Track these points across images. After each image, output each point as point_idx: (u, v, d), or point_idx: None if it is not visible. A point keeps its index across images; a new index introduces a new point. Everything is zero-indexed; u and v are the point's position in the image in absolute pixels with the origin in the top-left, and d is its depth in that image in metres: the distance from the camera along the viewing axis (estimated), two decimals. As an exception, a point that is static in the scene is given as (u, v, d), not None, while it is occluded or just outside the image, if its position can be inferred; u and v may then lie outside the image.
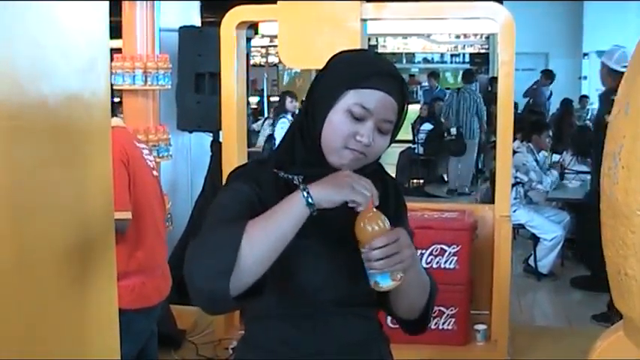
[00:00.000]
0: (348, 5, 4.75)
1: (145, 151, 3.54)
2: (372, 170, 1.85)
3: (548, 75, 14.16)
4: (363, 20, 4.83)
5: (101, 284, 2.22)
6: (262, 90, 16.26)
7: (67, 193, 2.03)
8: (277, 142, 8.85)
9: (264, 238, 1.63)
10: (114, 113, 3.62)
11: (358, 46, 4.75)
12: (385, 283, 1.70)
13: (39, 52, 1.88)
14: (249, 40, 5.63)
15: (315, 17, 4.77)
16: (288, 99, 9.82)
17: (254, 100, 15.34)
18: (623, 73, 1.57)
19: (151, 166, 3.54)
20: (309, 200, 1.64)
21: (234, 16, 4.99)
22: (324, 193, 1.65)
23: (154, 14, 5.46)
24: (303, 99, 1.95)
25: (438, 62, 19.78)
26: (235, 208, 1.74)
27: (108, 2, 2.19)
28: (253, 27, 14.93)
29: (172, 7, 6.89)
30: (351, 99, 1.77)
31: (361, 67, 1.83)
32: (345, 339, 1.89)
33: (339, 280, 1.84)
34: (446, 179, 12.30)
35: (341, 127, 1.77)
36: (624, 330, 1.57)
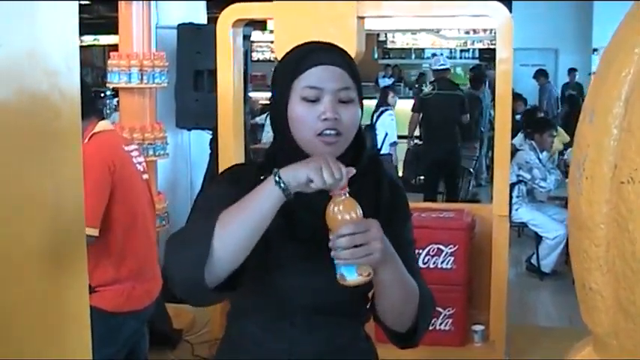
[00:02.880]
0: (345, 3, 4.70)
1: (134, 153, 3.49)
2: (368, 167, 1.81)
3: (542, 74, 14.05)
4: (360, 18, 4.78)
5: (71, 284, 2.19)
6: (268, 85, 16.24)
7: (33, 195, 1.99)
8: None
9: (238, 226, 1.61)
10: (101, 115, 3.61)
11: (355, 45, 4.71)
12: (351, 277, 1.63)
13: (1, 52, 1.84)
14: (248, 37, 5.57)
15: (311, 15, 4.73)
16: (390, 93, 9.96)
17: (264, 95, 15.28)
18: None
19: (141, 169, 3.50)
20: (279, 181, 1.60)
21: (231, 13, 4.96)
22: (292, 173, 1.61)
23: (150, 12, 5.43)
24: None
25: (447, 58, 19.65)
26: (214, 206, 1.70)
27: (77, 1, 2.14)
28: (261, 23, 14.90)
29: (178, 2, 6.88)
30: (299, 86, 1.76)
31: (295, 54, 1.84)
32: (320, 347, 1.85)
33: (318, 285, 1.77)
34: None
35: (302, 116, 1.76)
36: (593, 345, 1.53)
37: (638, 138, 1.26)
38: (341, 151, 1.76)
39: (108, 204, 3.22)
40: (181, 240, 1.67)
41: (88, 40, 21.89)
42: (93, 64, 20.17)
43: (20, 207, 1.93)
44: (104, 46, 19.42)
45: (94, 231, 3.18)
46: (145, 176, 3.52)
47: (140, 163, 3.50)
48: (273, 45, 4.93)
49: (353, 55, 4.77)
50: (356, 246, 1.60)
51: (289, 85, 1.78)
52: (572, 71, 14.97)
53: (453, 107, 9.08)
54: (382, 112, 9.36)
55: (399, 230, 1.81)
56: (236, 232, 1.60)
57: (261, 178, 1.71)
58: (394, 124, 9.35)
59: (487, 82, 11.76)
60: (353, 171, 1.63)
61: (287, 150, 1.80)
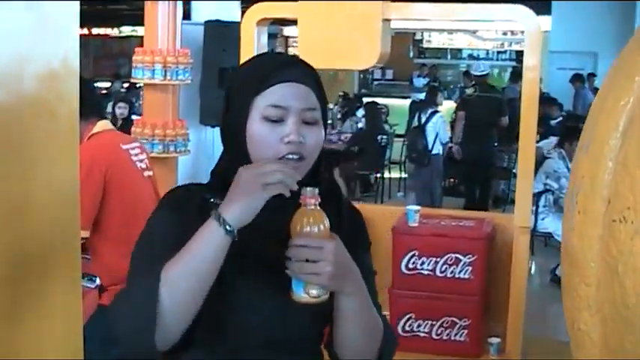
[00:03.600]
0: (370, 5, 4.63)
1: (135, 151, 3.48)
2: (328, 192, 1.64)
3: (578, 79, 13.82)
4: (386, 20, 4.70)
5: (65, 286, 2.16)
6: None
7: (25, 197, 1.96)
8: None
9: (184, 281, 1.48)
10: (102, 115, 3.61)
11: (379, 46, 4.64)
12: (297, 293, 1.54)
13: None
14: (274, 36, 5.53)
15: (336, 16, 4.66)
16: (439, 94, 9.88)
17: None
18: None
19: (143, 166, 3.48)
20: (226, 226, 1.48)
21: (255, 12, 4.91)
22: (238, 211, 1.49)
23: (176, 9, 5.40)
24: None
25: (483, 59, 19.48)
26: (155, 247, 1.59)
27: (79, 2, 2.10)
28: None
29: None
30: (261, 103, 1.62)
31: (258, 67, 1.68)
32: None
33: (271, 320, 1.64)
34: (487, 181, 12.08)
35: (263, 136, 1.62)
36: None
37: (632, 174, 1.18)
38: (302, 175, 1.58)
39: (104, 204, 3.22)
40: (126, 300, 1.55)
41: (126, 31, 22.04)
42: (130, 54, 20.24)
43: (13, 209, 1.90)
44: (141, 37, 19.51)
45: (83, 233, 3.17)
46: (148, 173, 3.50)
47: (142, 161, 3.48)
48: (296, 45, 4.88)
49: (377, 57, 4.75)
50: (308, 261, 1.51)
51: (249, 100, 1.63)
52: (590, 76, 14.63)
53: (493, 109, 9.47)
54: (433, 114, 9.28)
55: (359, 259, 1.66)
56: (183, 289, 1.49)
57: (211, 201, 1.61)
58: (445, 124, 9.32)
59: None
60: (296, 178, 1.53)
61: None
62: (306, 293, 1.53)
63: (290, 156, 1.60)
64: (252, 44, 4.90)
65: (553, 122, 10.32)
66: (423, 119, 9.38)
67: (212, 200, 1.62)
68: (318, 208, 1.54)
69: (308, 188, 1.54)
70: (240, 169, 1.53)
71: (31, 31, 1.96)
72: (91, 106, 3.46)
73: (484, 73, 10.13)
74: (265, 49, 5.12)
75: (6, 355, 1.91)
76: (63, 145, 2.13)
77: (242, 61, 4.89)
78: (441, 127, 9.12)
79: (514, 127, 10.35)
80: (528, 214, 4.73)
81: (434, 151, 9.13)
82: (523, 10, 4.59)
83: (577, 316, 1.32)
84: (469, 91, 10.67)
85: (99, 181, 3.21)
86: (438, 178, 9.32)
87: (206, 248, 1.50)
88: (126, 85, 15.48)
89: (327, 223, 1.54)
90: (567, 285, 1.35)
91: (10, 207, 1.90)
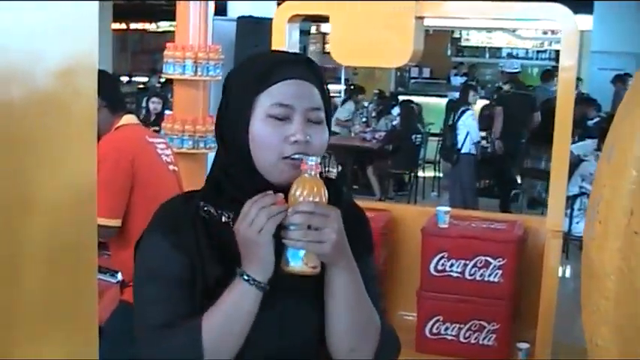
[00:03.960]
0: (403, 2, 4.57)
1: (161, 146, 3.48)
2: (330, 190, 1.55)
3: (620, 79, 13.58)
4: (418, 18, 4.64)
5: (82, 283, 2.13)
6: (339, 78, 16.08)
7: (39, 196, 1.93)
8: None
9: (225, 342, 1.50)
10: (127, 109, 3.63)
11: (412, 44, 4.57)
12: (294, 263, 1.47)
13: (8, 56, 1.77)
14: (306, 33, 5.50)
15: (368, 13, 4.61)
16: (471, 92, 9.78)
17: (332, 88, 15.22)
18: None
19: (169, 160, 3.48)
20: (258, 284, 1.48)
21: (287, 9, 4.88)
22: (260, 266, 1.48)
23: (208, 4, 5.38)
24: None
25: (522, 58, 19.26)
26: (171, 287, 1.56)
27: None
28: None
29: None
30: (266, 102, 1.55)
31: (261, 64, 1.60)
32: None
33: (269, 334, 1.56)
34: (519, 181, 11.95)
35: (267, 136, 1.54)
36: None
37: (656, 184, 1.12)
38: None
39: (129, 197, 3.24)
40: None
41: (164, 26, 22.15)
42: (167, 49, 20.30)
43: (27, 207, 1.88)
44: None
45: (114, 222, 3.20)
46: (173, 167, 3.49)
47: (168, 156, 3.49)
48: (329, 42, 4.83)
49: (409, 56, 4.69)
50: (309, 228, 1.46)
51: (252, 99, 1.56)
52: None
53: (526, 107, 9.90)
54: (464, 112, 9.19)
55: (363, 261, 1.60)
56: (225, 347, 1.50)
57: (204, 209, 1.57)
58: (476, 123, 9.21)
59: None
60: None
61: (241, 175, 1.58)
62: (304, 263, 1.47)
63: (296, 156, 1.53)
64: (283, 41, 4.87)
65: (590, 123, 10.18)
66: (455, 117, 9.32)
67: (205, 209, 1.57)
68: (318, 177, 1.49)
69: (310, 157, 1.49)
70: (235, 226, 1.50)
71: (47, 26, 1.92)
72: (119, 99, 3.54)
73: (516, 70, 10.50)
74: (296, 46, 5.09)
75: (19, 354, 1.89)
76: (79, 143, 2.09)
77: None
78: (471, 125, 9.01)
79: (546, 127, 10.44)
80: (561, 217, 4.64)
81: (463, 150, 9.01)
82: (561, 9, 4.50)
83: (595, 331, 1.26)
84: (505, 87, 10.76)
85: (128, 170, 3.23)
86: (469, 177, 9.19)
87: (242, 307, 1.50)
88: (162, 80, 15.54)
89: (326, 193, 1.49)
90: (586, 298, 1.29)
91: (24, 205, 1.88)
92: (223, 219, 1.56)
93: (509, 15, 4.95)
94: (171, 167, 3.49)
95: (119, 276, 3.45)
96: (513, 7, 4.69)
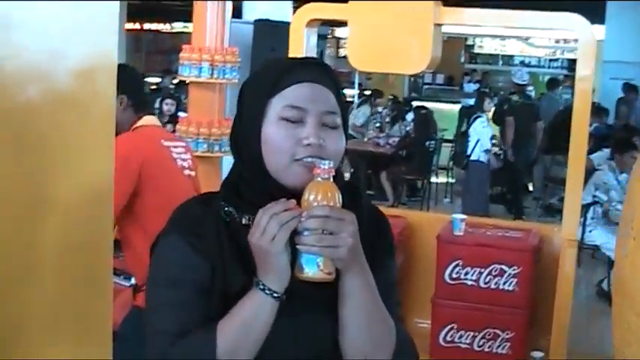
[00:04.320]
0: (422, 9, 4.56)
1: (178, 150, 3.43)
2: (348, 200, 1.52)
3: (632, 89, 13.56)
4: (437, 25, 4.63)
5: (97, 283, 2.13)
6: (353, 83, 16.04)
7: (57, 196, 1.93)
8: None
9: (242, 350, 1.48)
10: (149, 110, 3.60)
11: (430, 51, 4.56)
12: (310, 270, 1.43)
13: (28, 55, 1.77)
14: (324, 37, 5.49)
15: (387, 19, 4.60)
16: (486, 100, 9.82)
17: (348, 92, 15.17)
18: None
19: (185, 165, 3.44)
20: (274, 294, 1.46)
21: (305, 13, 4.87)
22: (276, 276, 1.45)
23: (225, 6, 5.38)
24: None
25: (535, 66, 19.21)
26: (188, 291, 1.53)
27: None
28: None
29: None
30: (279, 104, 1.52)
31: (274, 68, 1.58)
32: None
33: (283, 340, 1.53)
34: (530, 189, 11.92)
35: (280, 139, 1.51)
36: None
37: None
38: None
39: (140, 197, 3.18)
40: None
41: (178, 27, 22.17)
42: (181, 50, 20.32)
43: (43, 206, 1.87)
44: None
45: None
46: (189, 172, 3.44)
47: (185, 160, 3.44)
48: (346, 47, 4.83)
49: (427, 62, 4.68)
50: (324, 233, 1.43)
51: (265, 102, 1.53)
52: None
53: (532, 116, 10.29)
54: (476, 119, 9.16)
55: (384, 266, 1.58)
56: (243, 352, 1.48)
57: (225, 209, 1.55)
58: (487, 130, 9.13)
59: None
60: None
61: (254, 179, 1.55)
62: (319, 269, 1.44)
63: (308, 159, 1.49)
64: (301, 45, 4.86)
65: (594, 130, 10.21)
66: (468, 124, 9.32)
67: (227, 209, 1.55)
68: (332, 181, 1.46)
69: (323, 161, 1.46)
70: (248, 236, 1.47)
71: (68, 26, 1.93)
72: (144, 99, 3.51)
73: (525, 82, 10.88)
74: (314, 50, 5.08)
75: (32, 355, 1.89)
76: (97, 143, 2.09)
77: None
78: (482, 132, 8.95)
79: (555, 135, 10.58)
80: (576, 226, 4.63)
81: (473, 157, 8.97)
82: (578, 20, 4.49)
83: (626, 351, 1.24)
84: (515, 97, 11.11)
85: (133, 174, 3.17)
86: (478, 184, 9.13)
87: (258, 318, 1.48)
88: (175, 81, 15.55)
89: (340, 197, 1.46)
90: (617, 315, 1.27)
91: (41, 204, 1.88)
92: (244, 221, 1.53)
93: (527, 24, 4.95)
94: (186, 172, 3.43)
95: (132, 280, 3.43)
96: (531, 16, 4.67)
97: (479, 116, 9.06)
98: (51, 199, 1.88)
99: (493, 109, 10.46)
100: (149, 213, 3.21)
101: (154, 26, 23.24)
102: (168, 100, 9.81)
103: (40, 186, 1.86)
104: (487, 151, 8.93)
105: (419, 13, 4.57)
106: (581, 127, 4.57)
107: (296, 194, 1.48)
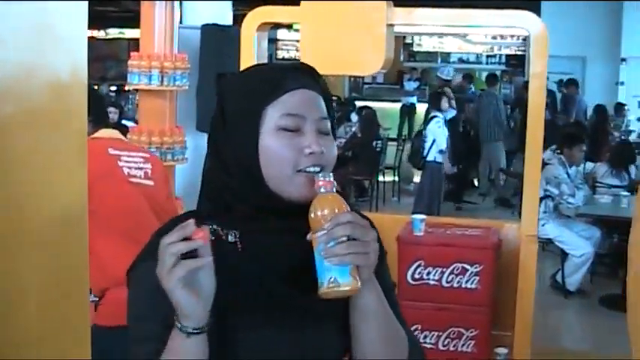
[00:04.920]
0: (375, 9, 4.54)
1: (133, 159, 3.38)
2: None
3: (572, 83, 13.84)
4: (390, 25, 4.61)
5: (74, 298, 2.07)
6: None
7: (29, 214, 1.87)
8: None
9: None
10: (105, 123, 3.53)
11: (384, 52, 4.54)
12: (344, 280, 1.35)
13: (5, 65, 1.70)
14: (272, 40, 5.44)
15: (339, 21, 4.57)
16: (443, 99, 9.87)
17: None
18: None
19: (137, 174, 3.38)
20: (187, 330, 1.36)
21: (256, 17, 4.80)
22: (182, 312, 1.34)
23: (174, 12, 5.29)
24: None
25: (473, 63, 19.46)
26: (150, 318, 1.43)
27: (87, 2, 2.00)
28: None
29: (204, 2, 6.76)
30: (276, 113, 1.45)
31: (267, 74, 1.52)
32: None
33: (288, 358, 1.48)
34: (476, 184, 12.05)
35: (281, 150, 1.44)
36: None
37: None
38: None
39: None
40: None
41: (114, 33, 21.89)
42: (118, 57, 20.10)
43: (17, 225, 1.81)
44: (129, 39, 19.42)
45: None
46: (139, 181, 3.37)
47: (140, 169, 3.40)
48: (300, 49, 4.78)
49: (381, 64, 4.66)
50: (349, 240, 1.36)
51: (260, 111, 1.46)
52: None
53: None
54: (432, 119, 9.16)
55: (379, 274, 1.49)
56: None
57: (211, 228, 1.43)
58: (443, 130, 9.13)
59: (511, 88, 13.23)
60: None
61: (248, 192, 1.47)
62: (354, 279, 1.36)
63: (311, 168, 1.44)
64: (252, 49, 4.79)
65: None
66: (425, 124, 9.33)
67: (211, 226, 1.46)
68: (335, 192, 1.41)
69: (322, 173, 1.41)
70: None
71: (37, 41, 1.86)
72: (103, 113, 3.55)
73: (450, 78, 11.82)
74: (265, 55, 5.02)
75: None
76: (71, 160, 2.03)
77: (242, 66, 4.80)
78: (437, 132, 8.98)
79: (487, 131, 10.91)
80: (535, 222, 4.66)
81: (429, 158, 8.99)
82: (530, 17, 4.53)
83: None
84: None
85: None
86: (434, 184, 9.14)
87: (187, 354, 1.37)
88: (113, 88, 15.35)
89: (348, 205, 1.41)
90: (635, 315, 1.25)
91: (14, 223, 1.81)
92: (230, 238, 1.47)
93: (479, 22, 4.96)
94: (134, 180, 3.37)
95: (91, 296, 3.35)
96: (484, 15, 4.69)
97: (435, 116, 9.09)
98: (26, 220, 1.81)
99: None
100: (93, 221, 3.14)
101: (88, 33, 22.87)
102: (111, 109, 9.63)
103: (14, 203, 1.80)
104: (442, 152, 8.96)
105: (371, 14, 4.54)
106: (537, 123, 4.59)
107: (293, 206, 1.44)
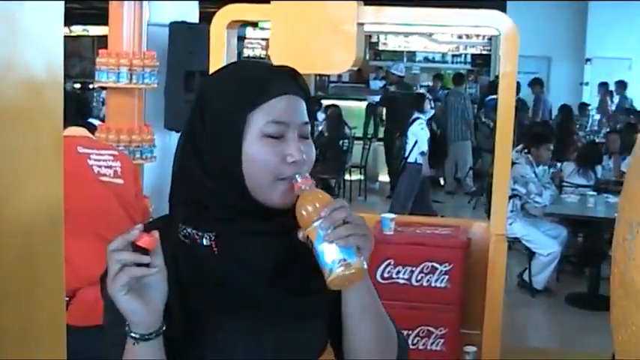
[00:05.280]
0: (345, 8, 4.53)
1: (103, 157, 3.37)
2: None
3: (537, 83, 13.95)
4: (360, 24, 4.61)
5: (49, 296, 2.04)
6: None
7: (9, 212, 1.84)
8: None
9: None
10: (75, 121, 3.48)
11: (354, 51, 4.54)
12: (354, 260, 1.34)
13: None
14: (241, 38, 5.41)
15: (309, 20, 4.56)
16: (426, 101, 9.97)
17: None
18: None
19: (106, 172, 3.36)
20: (135, 336, 1.36)
21: (225, 15, 4.77)
22: (129, 318, 1.35)
23: (142, 9, 5.24)
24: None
25: (439, 62, 19.55)
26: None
27: (63, 2, 1.97)
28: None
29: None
30: (261, 119, 1.43)
31: (249, 79, 1.47)
32: None
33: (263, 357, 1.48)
34: (442, 183, 12.10)
35: (265, 158, 1.42)
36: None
37: None
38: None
39: None
40: None
41: (77, 30, 21.66)
42: (81, 54, 19.92)
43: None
44: (93, 37, 19.24)
45: None
46: (109, 179, 3.36)
47: (110, 167, 3.38)
48: (269, 48, 4.76)
49: (352, 62, 4.65)
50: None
51: (244, 117, 1.43)
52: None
53: (409, 106, 9.96)
54: (414, 120, 9.12)
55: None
56: None
57: (184, 232, 1.45)
58: (424, 132, 9.10)
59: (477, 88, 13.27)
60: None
61: (230, 196, 1.45)
62: (359, 258, 1.36)
63: (290, 174, 1.43)
64: (221, 47, 4.76)
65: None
66: (407, 126, 9.30)
67: (185, 231, 1.47)
68: (315, 187, 1.42)
69: (297, 175, 1.42)
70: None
71: (12, 40, 1.83)
72: (69, 111, 3.40)
73: (402, 74, 12.29)
74: (235, 53, 4.99)
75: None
76: (46, 159, 2.00)
77: (212, 64, 4.76)
78: (419, 134, 8.95)
79: (455, 130, 11.32)
80: (504, 220, 4.67)
81: (410, 159, 8.97)
82: (500, 16, 4.55)
83: (636, 353, 1.23)
84: (392, 88, 12.19)
85: None
86: (412, 185, 9.08)
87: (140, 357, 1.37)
88: (77, 85, 15.20)
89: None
90: (623, 319, 1.26)
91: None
92: (205, 242, 1.45)
93: (450, 21, 4.97)
94: (104, 179, 3.36)
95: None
96: (454, 14, 4.69)
97: (417, 118, 9.09)
98: (4, 221, 1.79)
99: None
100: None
101: (52, 30, 22.63)
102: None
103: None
104: (423, 154, 8.95)
105: (342, 13, 4.53)
106: (506, 123, 4.61)
107: (274, 212, 1.44)
